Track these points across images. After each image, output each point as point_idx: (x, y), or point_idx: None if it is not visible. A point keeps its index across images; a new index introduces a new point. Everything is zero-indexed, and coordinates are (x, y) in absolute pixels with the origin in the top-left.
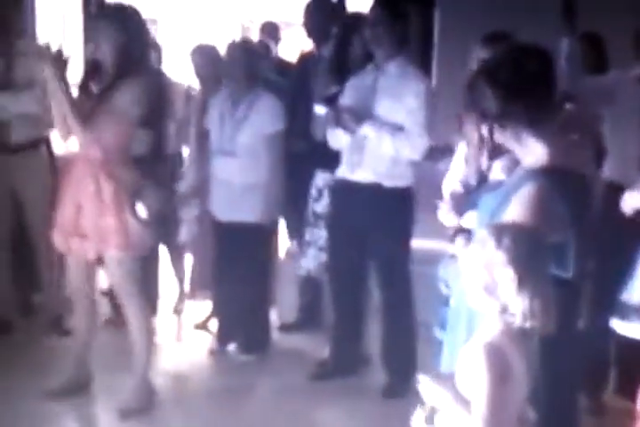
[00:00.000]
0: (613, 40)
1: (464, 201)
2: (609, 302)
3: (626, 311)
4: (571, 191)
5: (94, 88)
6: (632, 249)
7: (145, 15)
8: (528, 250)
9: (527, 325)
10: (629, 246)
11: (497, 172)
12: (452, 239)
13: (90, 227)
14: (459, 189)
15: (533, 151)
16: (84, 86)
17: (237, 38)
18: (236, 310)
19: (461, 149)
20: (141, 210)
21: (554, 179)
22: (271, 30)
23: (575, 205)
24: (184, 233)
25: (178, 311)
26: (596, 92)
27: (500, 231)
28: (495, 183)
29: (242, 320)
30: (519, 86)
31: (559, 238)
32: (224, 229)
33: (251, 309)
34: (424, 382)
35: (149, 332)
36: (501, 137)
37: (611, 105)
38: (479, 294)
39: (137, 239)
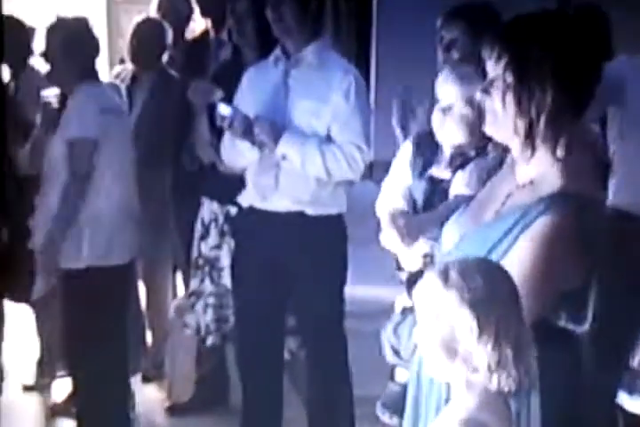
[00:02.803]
0: (619, 17)
1: (417, 224)
2: (614, 364)
3: (635, 383)
4: (593, 222)
5: None
6: None
7: None
8: (484, 284)
9: (495, 382)
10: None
11: (459, 186)
12: (407, 285)
13: None
14: (402, 206)
15: (544, 169)
16: None
17: None
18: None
19: (405, 151)
20: None
21: (577, 207)
22: (176, 4)
23: (597, 239)
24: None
25: (37, 387)
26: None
27: (445, 267)
28: (478, 207)
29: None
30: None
31: (577, 283)
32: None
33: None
34: None
35: None
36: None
37: (619, 104)
38: (438, 353)
39: None
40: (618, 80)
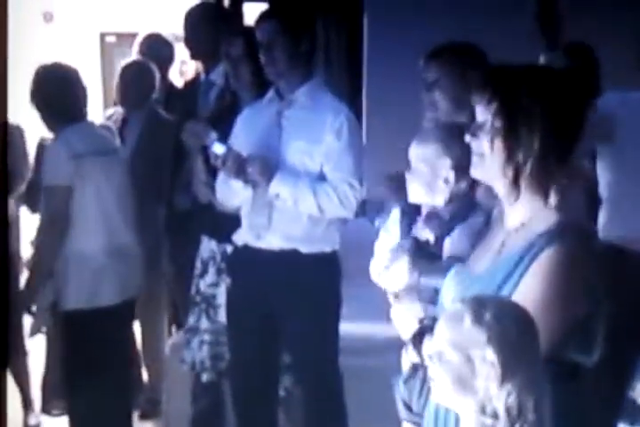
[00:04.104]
0: (608, 53)
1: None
2: (616, 395)
3: (636, 415)
4: (594, 249)
5: None
6: None
7: None
8: (516, 329)
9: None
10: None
11: (450, 249)
12: (413, 342)
13: None
14: None
15: (534, 211)
16: None
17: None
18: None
19: (394, 216)
20: None
21: (579, 235)
22: (156, 46)
23: (600, 266)
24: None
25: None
26: (589, 122)
27: (480, 305)
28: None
29: None
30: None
31: (587, 310)
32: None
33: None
34: None
35: None
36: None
37: (608, 141)
38: (449, 388)
39: None
40: (607, 117)
